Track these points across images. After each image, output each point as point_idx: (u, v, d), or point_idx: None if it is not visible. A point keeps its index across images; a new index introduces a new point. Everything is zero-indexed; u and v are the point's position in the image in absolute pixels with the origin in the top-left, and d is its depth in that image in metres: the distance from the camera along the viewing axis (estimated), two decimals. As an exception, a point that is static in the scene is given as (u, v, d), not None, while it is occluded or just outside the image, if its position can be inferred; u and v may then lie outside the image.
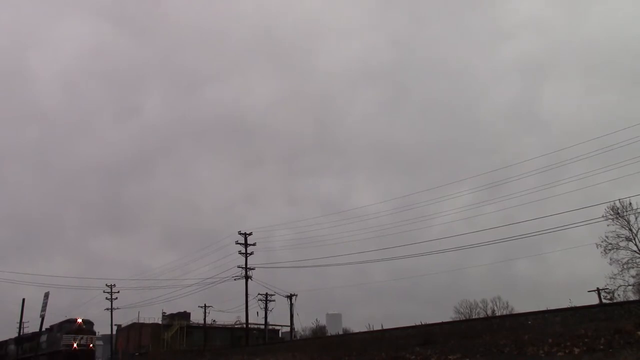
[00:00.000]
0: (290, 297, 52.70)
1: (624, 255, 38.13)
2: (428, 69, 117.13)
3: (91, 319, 46.19)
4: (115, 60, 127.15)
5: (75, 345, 37.30)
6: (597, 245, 38.64)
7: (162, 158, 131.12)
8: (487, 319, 18.94)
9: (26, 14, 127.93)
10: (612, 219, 38.01)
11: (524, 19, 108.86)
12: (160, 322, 61.70)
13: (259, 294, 51.53)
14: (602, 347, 5.99)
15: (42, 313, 39.22)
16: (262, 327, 57.20)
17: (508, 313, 43.74)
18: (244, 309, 42.89)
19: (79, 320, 39.38)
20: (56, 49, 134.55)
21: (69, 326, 39.12)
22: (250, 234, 43.93)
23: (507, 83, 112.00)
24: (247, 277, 42.95)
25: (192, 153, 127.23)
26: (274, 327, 61.58)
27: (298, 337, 52.80)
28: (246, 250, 43.29)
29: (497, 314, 48.04)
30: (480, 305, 60.36)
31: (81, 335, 38.04)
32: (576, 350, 6.10)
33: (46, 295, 38.98)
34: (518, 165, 71.28)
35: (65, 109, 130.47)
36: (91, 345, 38.99)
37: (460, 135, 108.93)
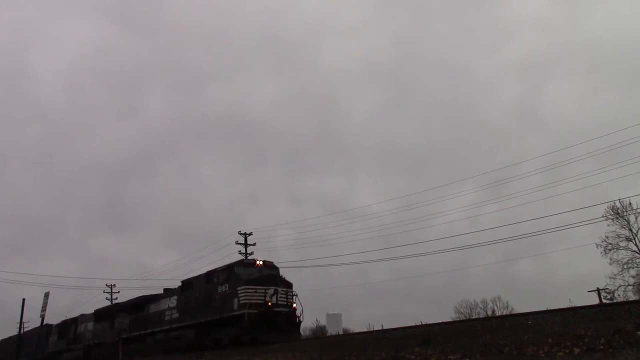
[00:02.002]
0: (290, 297, 52.55)
1: (624, 255, 38.20)
2: (431, 68, 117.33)
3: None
4: (117, 59, 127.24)
5: (270, 303, 19.48)
6: (597, 246, 38.72)
7: (164, 157, 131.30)
8: (487, 319, 18.90)
9: (28, 13, 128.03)
10: (612, 219, 38.09)
11: (527, 18, 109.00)
12: (160, 322, 61.36)
13: (259, 293, 51.30)
14: (602, 347, 5.99)
15: (42, 313, 39.17)
16: (262, 327, 56.94)
17: (508, 313, 43.78)
18: (244, 309, 42.69)
19: (259, 262, 21.65)
20: (58, 48, 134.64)
21: (246, 272, 20.83)
22: (250, 234, 43.91)
23: (510, 82, 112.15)
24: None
25: (194, 152, 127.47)
26: (274, 327, 61.32)
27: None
28: (246, 250, 43.25)
29: (497, 314, 48.07)
30: (480, 305, 60.45)
31: (274, 288, 19.91)
32: (576, 350, 6.09)
33: (46, 295, 38.92)
34: (521, 164, 71.28)
35: (67, 109, 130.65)
36: (294, 304, 20.59)
37: (463, 134, 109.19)
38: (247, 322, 18.98)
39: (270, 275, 21.14)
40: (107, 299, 58.87)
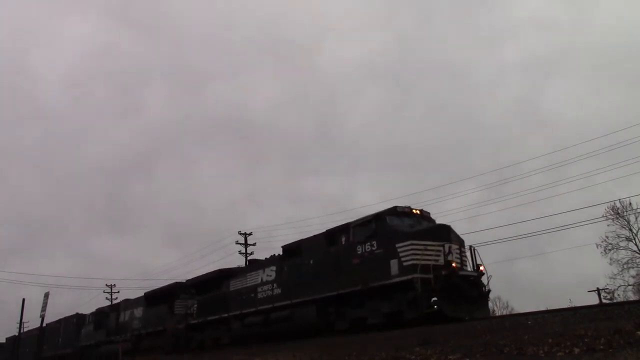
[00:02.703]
0: (290, 297, 52.40)
1: (624, 255, 38.33)
2: (433, 68, 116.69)
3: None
4: (118, 58, 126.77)
5: (455, 264, 14.19)
6: (597, 245, 38.83)
7: (164, 157, 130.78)
8: (487, 319, 18.87)
9: (29, 12, 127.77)
10: (612, 219, 38.18)
11: (529, 18, 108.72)
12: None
13: (259, 294, 51.15)
14: (602, 347, 5.99)
15: (42, 313, 39.12)
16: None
17: (508, 313, 43.80)
18: (244, 309, 42.51)
19: (417, 211, 16.27)
20: (59, 47, 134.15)
21: (403, 224, 15.50)
22: (250, 233, 43.95)
23: (511, 82, 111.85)
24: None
25: (195, 152, 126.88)
26: (274, 327, 61.23)
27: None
28: (246, 250, 43.28)
29: (497, 314, 48.11)
30: (480, 305, 60.39)
31: (449, 244, 14.59)
32: (576, 350, 6.10)
33: (46, 296, 38.88)
34: (521, 164, 71.35)
35: (68, 108, 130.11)
36: (482, 266, 15.28)
37: (463, 134, 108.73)
38: (421, 290, 13.50)
39: (440, 227, 15.39)
40: (107, 299, 59.05)
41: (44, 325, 43.27)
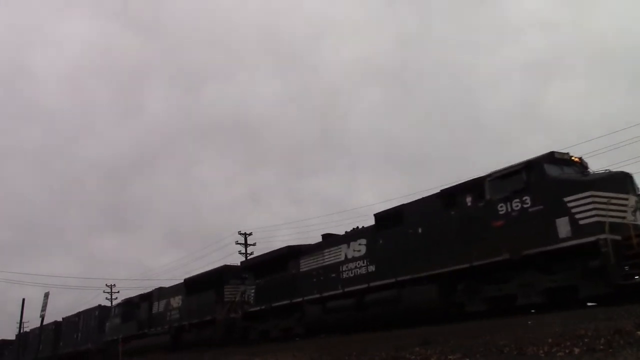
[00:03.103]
0: (290, 297, 52.24)
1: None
2: (433, 68, 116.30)
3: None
4: (118, 58, 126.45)
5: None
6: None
7: (164, 157, 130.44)
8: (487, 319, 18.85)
9: (29, 12, 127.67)
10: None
11: (530, 18, 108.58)
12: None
13: (259, 293, 51.05)
14: (602, 347, 5.99)
15: (42, 313, 39.11)
16: (262, 327, 56.68)
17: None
18: (244, 309, 42.43)
19: (576, 159, 12.79)
20: (58, 47, 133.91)
21: (563, 173, 12.17)
22: (250, 234, 43.97)
23: (512, 82, 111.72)
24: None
25: (195, 152, 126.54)
26: (274, 327, 61.05)
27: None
28: (246, 250, 43.29)
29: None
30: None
31: (636, 197, 11.39)
32: (576, 350, 6.09)
33: (46, 295, 38.87)
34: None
35: (67, 108, 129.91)
36: None
37: (465, 134, 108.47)
38: (613, 256, 10.31)
39: (622, 175, 11.80)
40: (107, 299, 59.05)
41: (62, 319, 43.46)
